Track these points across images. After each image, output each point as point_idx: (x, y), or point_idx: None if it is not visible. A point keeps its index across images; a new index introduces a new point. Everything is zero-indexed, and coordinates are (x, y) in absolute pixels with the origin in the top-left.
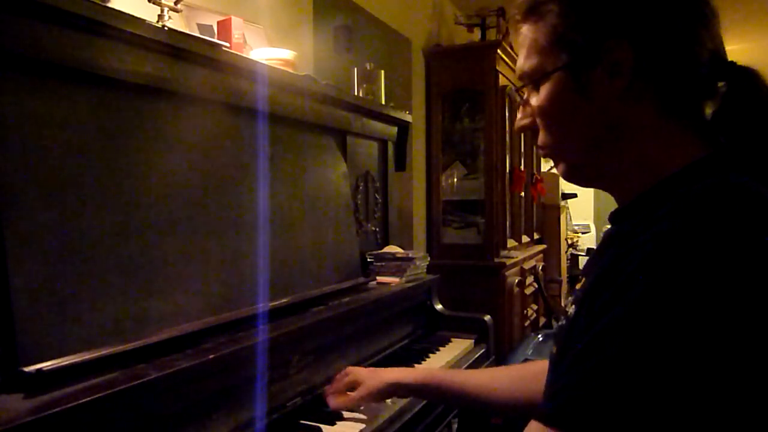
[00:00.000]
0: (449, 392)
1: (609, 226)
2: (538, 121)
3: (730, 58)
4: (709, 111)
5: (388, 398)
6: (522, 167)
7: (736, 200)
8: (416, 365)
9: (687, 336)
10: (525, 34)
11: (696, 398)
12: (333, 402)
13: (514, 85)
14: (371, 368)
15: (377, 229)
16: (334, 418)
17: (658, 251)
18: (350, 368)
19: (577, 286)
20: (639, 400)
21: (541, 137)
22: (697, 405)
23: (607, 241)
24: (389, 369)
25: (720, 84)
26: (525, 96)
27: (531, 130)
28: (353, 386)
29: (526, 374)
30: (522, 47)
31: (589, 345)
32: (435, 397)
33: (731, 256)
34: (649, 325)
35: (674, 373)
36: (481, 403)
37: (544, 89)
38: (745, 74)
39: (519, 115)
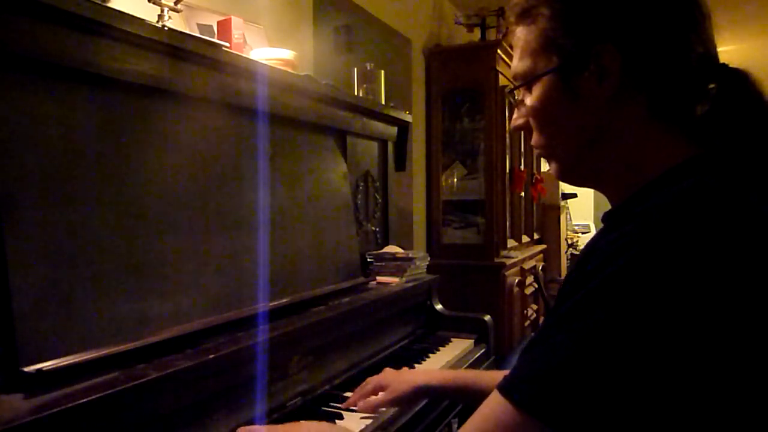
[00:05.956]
0: (477, 393)
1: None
2: (531, 121)
3: (726, 59)
4: (700, 112)
5: (416, 401)
6: (522, 167)
7: (704, 203)
8: (416, 365)
9: (640, 320)
10: (518, 36)
11: (649, 379)
12: (361, 405)
13: (511, 85)
14: (394, 370)
15: (377, 229)
16: (334, 417)
17: (622, 249)
18: (374, 377)
19: None
20: (589, 381)
21: (535, 137)
22: (649, 386)
23: None
24: (413, 371)
25: (711, 86)
26: (519, 97)
27: (525, 130)
28: (379, 390)
29: None
30: (516, 49)
31: (548, 327)
32: (462, 398)
33: (691, 252)
34: (604, 309)
35: (624, 354)
36: None
37: (536, 91)
38: (736, 76)
39: (514, 115)
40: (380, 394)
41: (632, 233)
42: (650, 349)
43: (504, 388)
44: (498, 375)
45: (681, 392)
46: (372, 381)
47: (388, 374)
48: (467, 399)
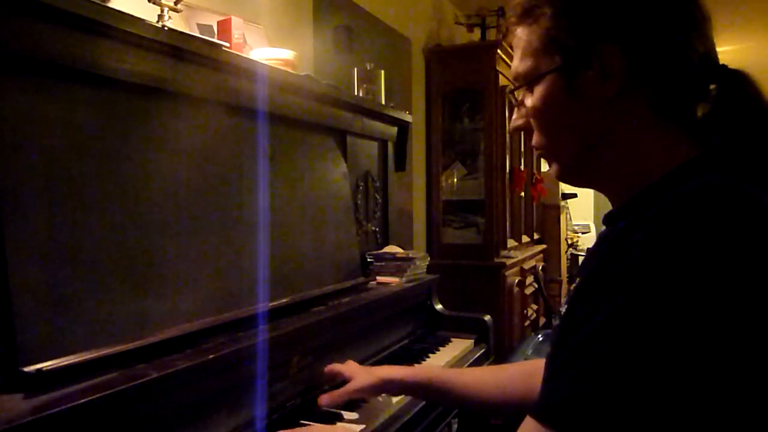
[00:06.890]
0: (441, 390)
1: (604, 228)
2: (532, 122)
3: (726, 60)
4: (701, 112)
5: (379, 394)
6: (522, 167)
7: (723, 200)
8: (416, 365)
9: (676, 335)
10: (519, 36)
11: (687, 398)
12: (324, 400)
13: (512, 85)
14: (364, 366)
15: (377, 229)
16: (334, 418)
17: (648, 253)
18: (340, 365)
19: (571, 287)
20: (631, 401)
21: (536, 138)
22: (688, 405)
23: (600, 242)
24: (382, 366)
25: (711, 86)
26: (520, 97)
27: (526, 131)
28: (345, 382)
29: (520, 372)
30: (517, 49)
31: (581, 344)
32: (426, 395)
33: (720, 256)
34: (639, 325)
35: (664, 372)
36: (473, 401)
37: (538, 91)
38: (736, 77)
39: (514, 116)
40: (346, 385)
41: (656, 238)
42: (692, 361)
43: (544, 413)
44: (482, 373)
45: (729, 405)
46: (334, 369)
47: (355, 368)
48: (437, 398)
